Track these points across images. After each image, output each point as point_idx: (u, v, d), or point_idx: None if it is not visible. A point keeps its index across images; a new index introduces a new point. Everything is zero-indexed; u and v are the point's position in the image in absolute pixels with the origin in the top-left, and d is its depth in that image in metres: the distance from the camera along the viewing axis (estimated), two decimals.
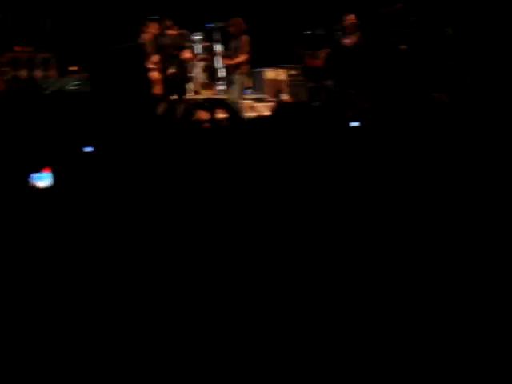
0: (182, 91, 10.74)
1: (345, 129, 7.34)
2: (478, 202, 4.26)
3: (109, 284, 3.48)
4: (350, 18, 11.38)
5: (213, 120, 8.83)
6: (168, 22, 10.90)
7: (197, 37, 11.86)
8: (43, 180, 4.98)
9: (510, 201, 4.22)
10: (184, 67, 10.96)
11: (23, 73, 11.26)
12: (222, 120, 9.52)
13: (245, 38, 11.10)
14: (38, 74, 11.39)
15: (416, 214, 4.18)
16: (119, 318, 3.14)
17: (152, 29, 10.81)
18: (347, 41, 11.22)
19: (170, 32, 10.85)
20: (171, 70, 10.54)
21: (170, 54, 10.61)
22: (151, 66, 10.55)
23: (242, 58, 11.03)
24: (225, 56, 11.64)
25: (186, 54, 11.28)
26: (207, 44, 12.01)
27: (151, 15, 11.30)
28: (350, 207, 4.37)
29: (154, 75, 10.53)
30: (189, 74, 11.36)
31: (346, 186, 4.80)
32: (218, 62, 11.92)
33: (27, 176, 4.97)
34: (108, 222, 4.33)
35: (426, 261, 3.50)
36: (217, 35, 12.04)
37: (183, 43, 11.20)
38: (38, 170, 4.99)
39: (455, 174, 4.94)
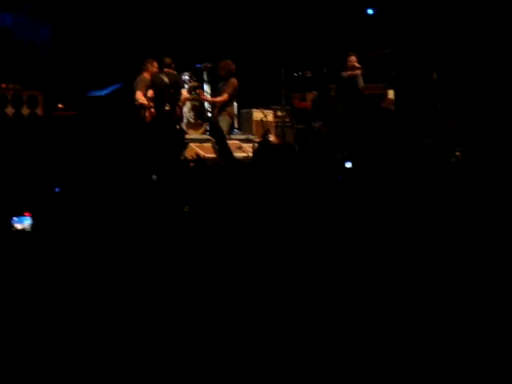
0: (170, 130, 10.72)
1: (340, 169, 7.33)
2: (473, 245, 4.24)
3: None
4: (353, 60, 11.48)
5: (199, 159, 8.79)
6: (168, 60, 10.92)
7: (185, 76, 11.89)
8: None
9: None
10: (178, 106, 10.98)
11: (9, 110, 11.23)
12: (208, 159, 9.50)
13: (232, 80, 11.17)
14: (25, 111, 11.36)
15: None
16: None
17: (153, 67, 10.85)
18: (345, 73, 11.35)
19: (167, 70, 10.87)
20: (167, 108, 10.53)
21: (167, 91, 10.60)
22: (144, 101, 10.56)
23: (222, 97, 11.10)
24: (203, 93, 11.72)
25: (185, 94, 11.33)
26: (195, 84, 12.03)
27: (142, 54, 11.35)
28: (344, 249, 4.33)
29: (146, 112, 10.55)
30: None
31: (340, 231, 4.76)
32: (206, 103, 11.95)
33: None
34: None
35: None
36: (205, 75, 12.08)
37: (179, 82, 11.23)
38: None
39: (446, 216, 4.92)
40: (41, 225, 5.12)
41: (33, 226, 5.16)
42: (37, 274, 4.10)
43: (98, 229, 4.90)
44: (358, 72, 11.55)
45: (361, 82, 11.61)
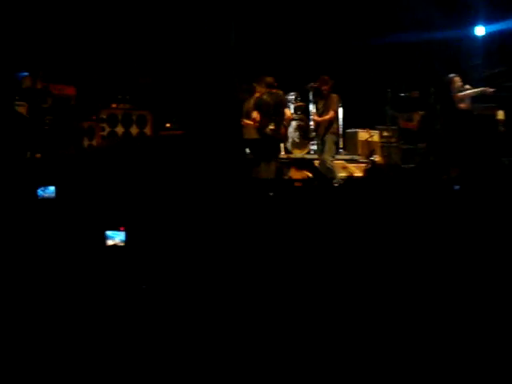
0: (277, 149, 10.74)
1: (448, 192, 7.17)
2: None
3: None
4: (457, 81, 11.23)
5: (305, 179, 8.77)
6: (270, 80, 10.97)
7: (290, 96, 11.92)
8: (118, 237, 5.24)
9: None
10: (283, 125, 11.00)
11: (119, 129, 11.52)
12: (313, 179, 9.47)
13: (333, 96, 11.09)
14: (134, 130, 11.63)
15: None
16: None
17: (259, 90, 10.92)
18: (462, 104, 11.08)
19: (273, 90, 10.92)
20: (271, 127, 10.56)
21: (271, 111, 10.64)
22: (250, 122, 10.64)
23: (329, 115, 11.00)
24: (315, 114, 11.65)
25: (288, 113, 11.34)
26: (300, 104, 12.04)
27: (243, 75, 11.44)
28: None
29: (252, 132, 10.62)
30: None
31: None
32: (311, 122, 11.94)
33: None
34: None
35: None
36: (310, 95, 12.09)
37: (284, 102, 11.26)
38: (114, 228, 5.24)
39: None
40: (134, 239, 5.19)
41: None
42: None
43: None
44: (470, 92, 11.26)
45: (469, 103, 11.34)
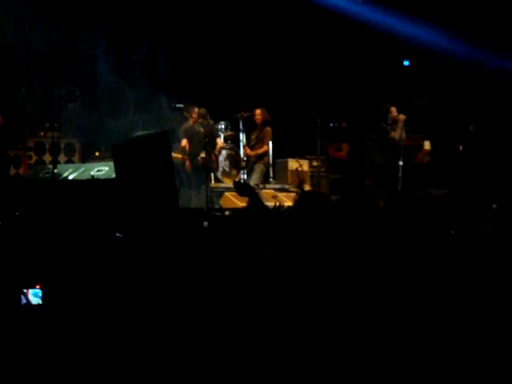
0: (208, 178, 10.75)
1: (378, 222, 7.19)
2: None
3: None
4: (394, 111, 11.33)
5: (235, 208, 8.75)
6: (202, 111, 11.04)
7: (220, 125, 11.96)
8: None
9: None
10: (214, 154, 11.03)
11: (47, 157, 11.35)
12: (244, 208, 9.44)
13: (267, 129, 11.21)
14: (62, 158, 11.48)
15: None
16: None
17: (195, 114, 10.94)
18: (395, 134, 11.11)
19: (202, 120, 10.97)
20: (202, 156, 10.58)
21: (201, 141, 10.68)
22: (179, 150, 10.63)
23: (263, 148, 11.13)
24: (247, 146, 11.71)
25: (219, 142, 11.39)
26: (230, 133, 12.09)
27: (177, 103, 11.43)
28: None
29: (181, 160, 10.60)
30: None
31: None
32: (241, 152, 11.98)
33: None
34: None
35: None
36: (241, 125, 12.14)
37: (215, 131, 11.32)
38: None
39: None
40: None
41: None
42: None
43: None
44: (401, 123, 11.34)
45: (403, 133, 11.34)
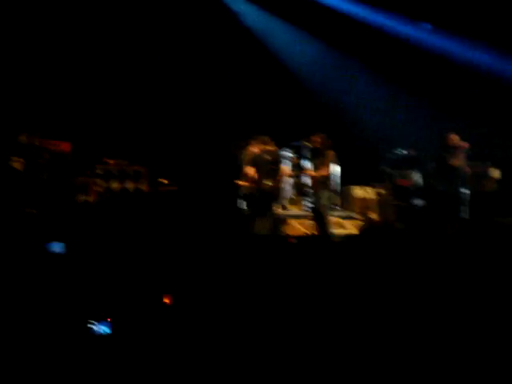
0: (271, 205, 10.76)
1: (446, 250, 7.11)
2: None
3: None
4: (454, 138, 11.19)
5: (300, 236, 8.76)
6: (266, 139, 11.08)
7: (287, 153, 11.98)
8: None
9: None
10: (279, 181, 11.04)
11: (115, 184, 11.52)
12: (309, 235, 9.45)
13: (330, 153, 11.12)
14: (130, 185, 11.63)
15: None
16: None
17: (254, 147, 10.99)
18: (455, 162, 10.99)
19: (269, 148, 11.00)
20: (268, 183, 10.61)
21: (268, 168, 10.72)
22: (245, 178, 10.68)
23: (325, 171, 11.02)
24: (310, 171, 11.69)
25: (286, 170, 11.39)
26: (296, 160, 12.10)
27: (243, 133, 11.52)
28: None
29: (247, 188, 10.66)
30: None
31: None
32: (306, 179, 11.96)
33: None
34: None
35: None
36: (305, 152, 12.14)
37: (279, 159, 11.33)
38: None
39: None
40: None
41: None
42: None
43: None
44: (462, 150, 11.22)
45: (463, 160, 11.26)
